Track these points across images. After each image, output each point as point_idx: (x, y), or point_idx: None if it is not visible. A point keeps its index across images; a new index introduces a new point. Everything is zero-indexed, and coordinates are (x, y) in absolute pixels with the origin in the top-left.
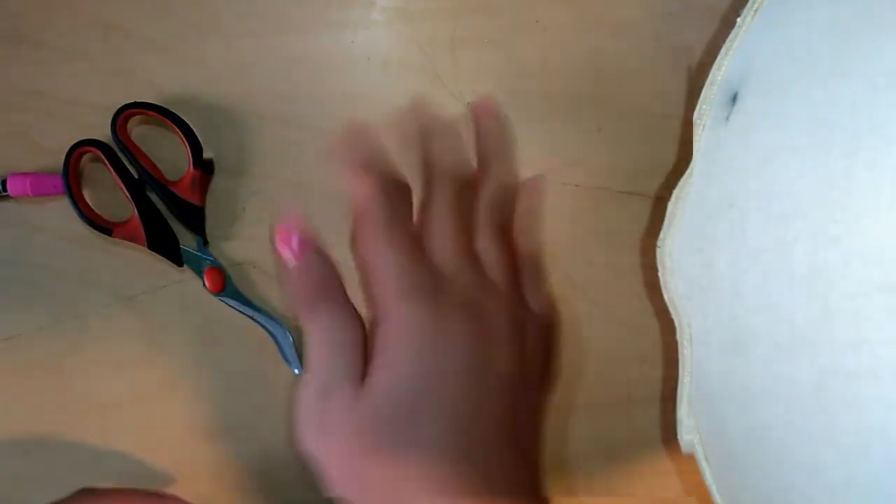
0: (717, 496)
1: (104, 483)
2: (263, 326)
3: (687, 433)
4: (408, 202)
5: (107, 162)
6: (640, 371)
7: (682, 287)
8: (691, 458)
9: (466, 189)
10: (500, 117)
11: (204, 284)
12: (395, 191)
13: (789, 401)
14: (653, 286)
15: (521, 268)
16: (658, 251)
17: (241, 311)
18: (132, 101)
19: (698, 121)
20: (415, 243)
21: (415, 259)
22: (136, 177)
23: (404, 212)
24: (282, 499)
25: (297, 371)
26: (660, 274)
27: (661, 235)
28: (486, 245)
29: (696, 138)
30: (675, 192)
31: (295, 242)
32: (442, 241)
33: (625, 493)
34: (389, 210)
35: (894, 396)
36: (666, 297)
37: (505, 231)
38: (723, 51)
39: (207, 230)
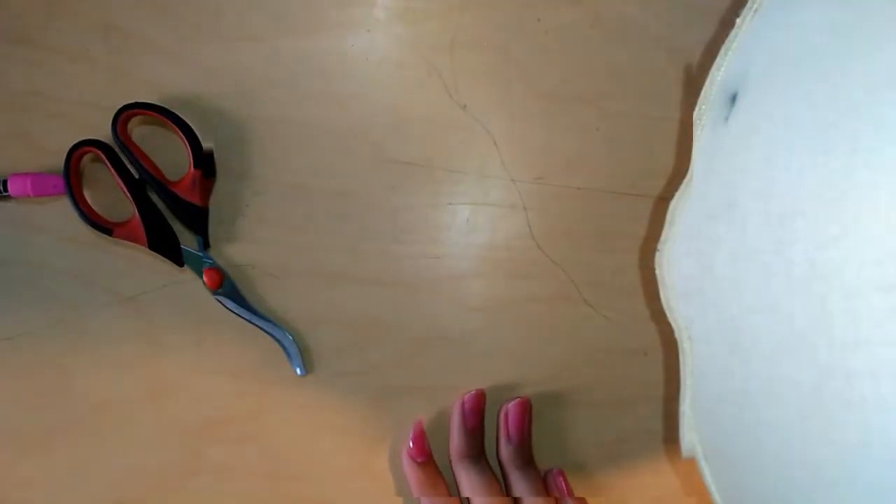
0: (716, 496)
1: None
2: (262, 329)
3: (689, 433)
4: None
5: (107, 162)
6: (641, 371)
7: (682, 287)
8: (691, 458)
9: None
10: (527, 423)
11: (203, 282)
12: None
13: (789, 400)
14: (653, 287)
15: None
16: (658, 254)
17: (239, 315)
18: (133, 101)
19: (698, 121)
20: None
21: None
22: (137, 177)
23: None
24: (281, 497)
25: (299, 371)
26: (658, 277)
27: (663, 237)
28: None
29: (695, 138)
30: (677, 195)
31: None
32: None
33: (624, 492)
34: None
35: (893, 396)
36: (663, 300)
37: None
38: (722, 51)
39: (210, 231)
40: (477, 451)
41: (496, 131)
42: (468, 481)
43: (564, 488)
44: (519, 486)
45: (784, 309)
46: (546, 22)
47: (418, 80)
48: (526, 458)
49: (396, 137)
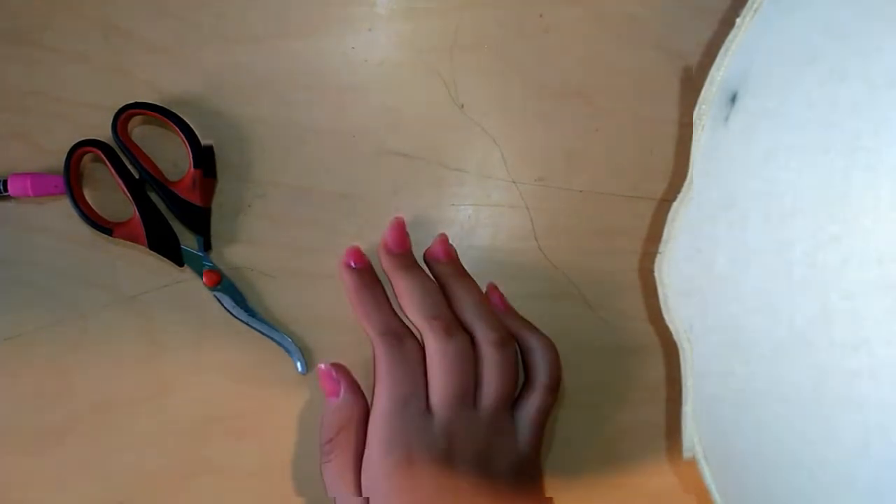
0: (716, 496)
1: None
2: (263, 333)
3: (690, 433)
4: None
5: (107, 162)
6: (640, 371)
7: (682, 287)
8: (692, 458)
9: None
10: (454, 258)
11: (203, 283)
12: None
13: (788, 400)
14: (653, 287)
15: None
16: (658, 256)
17: (238, 318)
18: (133, 101)
19: (698, 121)
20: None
21: (389, 314)
22: (137, 177)
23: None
24: (281, 497)
25: (300, 367)
26: (657, 279)
27: (664, 238)
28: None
29: (695, 138)
30: (678, 198)
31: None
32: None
33: (624, 492)
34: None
35: (893, 396)
36: (662, 302)
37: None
38: (722, 51)
39: (211, 232)
40: (406, 247)
41: (496, 132)
42: (404, 284)
43: (500, 304)
44: (460, 297)
45: (783, 309)
46: (547, 21)
47: (419, 80)
48: (460, 269)
49: (397, 137)
